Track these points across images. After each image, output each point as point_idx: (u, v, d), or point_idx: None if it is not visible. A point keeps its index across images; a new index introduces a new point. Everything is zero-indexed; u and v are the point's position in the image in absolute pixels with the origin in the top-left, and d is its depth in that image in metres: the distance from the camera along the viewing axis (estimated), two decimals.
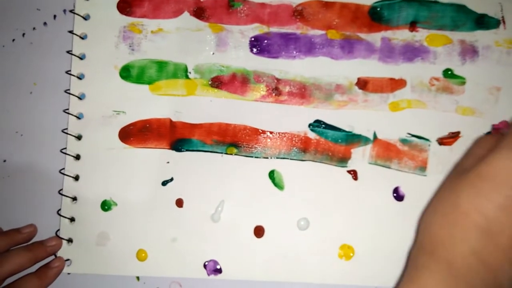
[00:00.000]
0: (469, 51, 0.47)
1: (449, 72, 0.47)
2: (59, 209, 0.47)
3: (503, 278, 0.32)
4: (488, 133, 0.44)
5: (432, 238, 0.34)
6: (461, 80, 0.47)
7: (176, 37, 0.48)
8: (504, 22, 0.47)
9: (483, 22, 0.47)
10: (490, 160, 0.33)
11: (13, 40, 0.49)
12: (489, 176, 0.32)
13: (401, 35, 0.47)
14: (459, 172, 0.35)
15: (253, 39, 0.48)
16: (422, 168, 0.46)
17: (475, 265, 0.32)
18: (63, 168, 0.47)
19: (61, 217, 0.47)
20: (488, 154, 0.33)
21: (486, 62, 0.47)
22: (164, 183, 0.47)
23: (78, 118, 0.48)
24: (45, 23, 0.49)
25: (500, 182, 0.32)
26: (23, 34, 0.49)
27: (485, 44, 0.47)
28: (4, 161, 0.48)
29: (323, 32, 0.48)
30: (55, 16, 0.49)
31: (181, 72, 0.48)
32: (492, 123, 0.46)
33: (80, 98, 0.48)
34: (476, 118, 0.47)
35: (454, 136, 0.46)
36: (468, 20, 0.47)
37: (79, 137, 0.48)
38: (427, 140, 0.46)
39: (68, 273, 0.47)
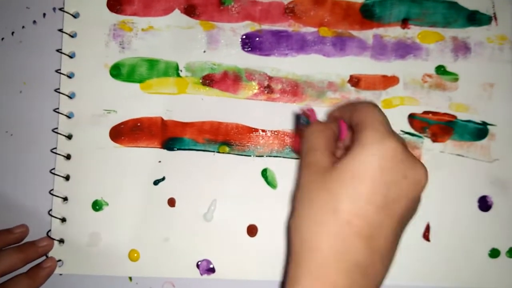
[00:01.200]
0: (462, 48, 0.47)
1: (442, 69, 0.47)
2: (50, 210, 0.47)
3: (379, 281, 0.31)
4: (299, 119, 0.41)
5: (311, 253, 0.30)
6: (454, 77, 0.47)
7: (167, 35, 0.48)
8: (496, 18, 0.47)
9: (475, 18, 0.47)
10: (360, 157, 0.31)
11: (2, 39, 0.49)
12: (364, 176, 0.30)
13: (393, 32, 0.47)
14: (320, 170, 0.32)
15: (244, 36, 0.48)
16: None
17: (358, 279, 0.30)
18: (54, 168, 0.47)
19: (52, 218, 0.47)
20: (352, 150, 0.31)
21: (479, 59, 0.47)
22: (156, 182, 0.47)
23: (68, 117, 0.47)
24: (34, 22, 0.49)
25: (376, 182, 0.30)
26: (12, 33, 0.49)
27: (478, 40, 0.47)
28: None
29: (315, 29, 0.47)
30: (44, 14, 0.49)
31: (172, 70, 0.47)
32: (485, 119, 0.46)
33: (70, 97, 0.47)
34: (470, 114, 0.47)
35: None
36: (460, 16, 0.47)
37: (69, 137, 0.47)
38: (420, 137, 0.46)
39: (60, 274, 0.46)
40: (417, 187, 0.32)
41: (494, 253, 0.45)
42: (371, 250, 0.30)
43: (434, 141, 0.46)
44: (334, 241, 0.30)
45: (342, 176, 0.31)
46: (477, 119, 0.46)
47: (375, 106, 0.34)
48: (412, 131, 0.46)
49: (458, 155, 0.46)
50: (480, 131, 0.46)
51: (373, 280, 0.31)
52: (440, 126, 0.46)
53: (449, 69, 0.47)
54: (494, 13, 0.47)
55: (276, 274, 0.46)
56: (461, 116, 0.46)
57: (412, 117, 0.46)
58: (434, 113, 0.46)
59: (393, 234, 0.31)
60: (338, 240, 0.30)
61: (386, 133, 0.31)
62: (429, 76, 0.47)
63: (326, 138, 0.35)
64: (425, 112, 0.47)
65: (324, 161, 0.33)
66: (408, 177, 0.31)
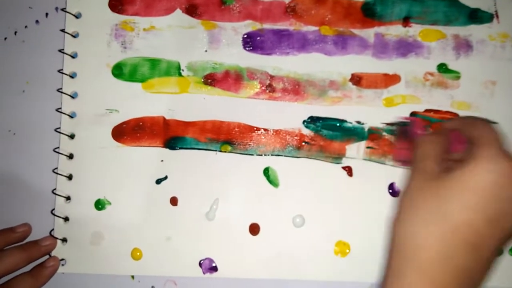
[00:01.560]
0: (463, 46, 0.47)
1: (444, 67, 0.47)
2: (53, 209, 0.47)
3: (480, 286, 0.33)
4: (401, 124, 0.45)
5: (416, 250, 0.32)
6: (456, 75, 0.47)
7: (168, 35, 0.48)
8: (497, 16, 0.47)
9: (476, 16, 0.47)
10: (476, 171, 0.32)
11: (5, 38, 0.49)
12: (476, 188, 0.32)
13: (394, 31, 0.47)
14: (430, 178, 0.34)
15: (246, 36, 0.48)
16: None
17: (465, 283, 0.31)
18: (56, 168, 0.47)
19: (55, 217, 0.47)
20: (466, 163, 0.33)
21: (481, 56, 0.47)
22: (158, 181, 0.47)
23: (71, 117, 0.48)
24: (37, 21, 0.49)
25: (488, 196, 0.31)
26: (15, 32, 0.49)
27: (479, 38, 0.47)
28: None
29: (316, 28, 0.47)
30: (47, 14, 0.49)
31: (174, 69, 0.48)
32: (487, 117, 0.46)
33: (72, 97, 0.48)
34: (472, 112, 0.46)
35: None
36: (461, 14, 0.47)
37: (72, 136, 0.48)
38: None
39: (63, 273, 0.47)
40: None
41: (497, 252, 0.45)
42: (476, 258, 0.32)
43: None
44: (441, 242, 0.31)
45: (454, 185, 0.32)
46: (479, 117, 0.46)
47: (491, 124, 0.36)
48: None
49: None
50: None
51: (474, 285, 0.32)
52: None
53: (450, 67, 0.47)
54: (496, 11, 0.47)
55: (278, 272, 0.46)
56: (463, 114, 0.46)
57: (414, 116, 0.46)
58: (435, 111, 0.46)
59: (497, 248, 0.32)
60: (445, 243, 0.31)
61: (502, 151, 0.33)
62: (431, 74, 0.47)
63: (438, 148, 0.36)
64: (427, 110, 0.46)
65: (434, 169, 0.35)
66: None
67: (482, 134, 0.34)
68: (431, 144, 0.37)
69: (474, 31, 0.47)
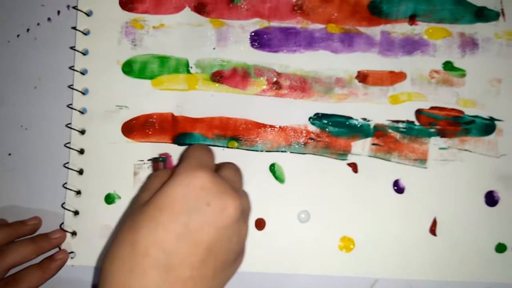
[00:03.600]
0: (469, 44, 0.47)
1: (449, 65, 0.47)
2: (63, 203, 0.48)
3: None
4: (155, 160, 0.45)
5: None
6: (461, 73, 0.47)
7: (177, 33, 0.49)
8: (503, 14, 0.47)
9: (482, 14, 0.47)
10: (166, 189, 0.32)
11: (18, 35, 0.50)
12: (166, 206, 0.31)
13: (400, 29, 0.48)
14: (136, 208, 0.33)
15: (253, 33, 0.48)
16: (422, 160, 0.46)
17: None
18: (67, 162, 0.48)
19: (65, 210, 0.48)
20: (164, 184, 0.32)
21: (486, 54, 0.47)
22: None
23: (82, 113, 0.49)
24: (49, 19, 0.50)
25: (176, 210, 0.30)
26: (28, 30, 0.50)
27: (485, 36, 0.47)
28: (9, 154, 0.49)
29: (323, 26, 0.48)
30: (59, 12, 0.50)
31: (182, 67, 0.48)
32: (493, 115, 0.46)
33: (83, 93, 0.49)
34: (478, 110, 0.47)
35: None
36: (467, 12, 0.47)
37: (82, 132, 0.48)
38: (427, 132, 0.47)
39: (72, 265, 0.47)
40: (223, 216, 0.31)
41: (500, 248, 0.46)
42: (170, 281, 0.30)
43: (441, 136, 0.47)
44: (130, 277, 0.30)
45: (148, 209, 0.31)
46: (485, 114, 0.47)
47: (201, 145, 0.37)
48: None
49: (466, 150, 0.46)
50: (487, 127, 0.46)
51: None
52: (447, 122, 0.47)
53: (456, 65, 0.47)
54: (502, 9, 0.47)
55: (283, 267, 0.46)
56: (469, 111, 0.47)
57: (419, 113, 0.47)
58: (441, 109, 0.47)
59: (203, 263, 0.31)
60: (135, 276, 0.29)
61: (197, 165, 0.32)
62: (437, 72, 0.47)
63: (159, 182, 0.35)
64: (432, 108, 0.47)
65: (145, 197, 0.33)
66: (211, 204, 0.31)
67: (185, 154, 0.35)
68: (157, 178, 0.36)
69: (480, 29, 0.47)
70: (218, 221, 0.31)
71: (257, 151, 0.47)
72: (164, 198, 0.31)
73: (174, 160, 0.47)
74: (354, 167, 0.47)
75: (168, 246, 0.30)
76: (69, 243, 0.48)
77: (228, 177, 0.35)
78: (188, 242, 0.30)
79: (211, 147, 0.43)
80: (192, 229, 0.30)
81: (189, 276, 0.30)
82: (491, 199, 0.46)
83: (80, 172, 0.48)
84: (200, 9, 0.49)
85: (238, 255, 0.35)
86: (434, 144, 0.47)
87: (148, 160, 0.48)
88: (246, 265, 0.46)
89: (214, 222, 0.31)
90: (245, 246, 0.37)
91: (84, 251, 0.48)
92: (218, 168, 0.36)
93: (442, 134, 0.47)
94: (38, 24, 0.50)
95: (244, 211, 0.34)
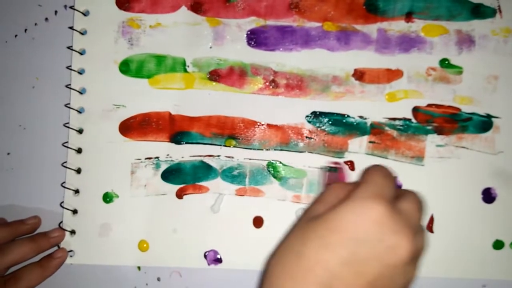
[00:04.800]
0: (466, 41, 0.47)
1: (446, 62, 0.47)
2: (62, 202, 0.48)
3: None
4: (331, 169, 0.45)
5: None
6: (458, 70, 0.47)
7: (174, 32, 0.49)
8: (500, 11, 0.47)
9: (479, 11, 0.47)
10: (340, 211, 0.31)
11: (16, 35, 0.50)
12: (337, 229, 0.30)
13: (397, 26, 0.48)
14: (309, 219, 0.33)
15: (250, 32, 0.48)
16: (419, 157, 0.47)
17: None
18: (66, 162, 0.48)
19: (64, 209, 0.48)
20: (339, 204, 0.31)
21: (483, 51, 0.47)
22: (165, 175, 0.48)
23: (79, 112, 0.49)
24: (46, 19, 0.50)
25: (346, 236, 0.30)
26: (25, 30, 0.50)
27: (482, 33, 0.47)
28: (8, 154, 0.50)
29: (319, 24, 0.48)
30: (56, 12, 0.50)
31: (179, 66, 0.48)
32: (490, 112, 0.46)
33: (81, 93, 0.49)
34: (474, 107, 0.47)
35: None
36: (464, 9, 0.47)
37: (80, 131, 0.49)
38: (424, 129, 0.47)
39: (71, 264, 0.48)
40: (394, 255, 0.30)
41: (498, 245, 0.46)
42: None
43: (438, 133, 0.47)
44: (291, 283, 0.30)
45: (319, 225, 0.31)
46: (482, 111, 0.47)
47: (382, 168, 0.34)
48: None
49: (463, 147, 0.46)
50: (484, 124, 0.46)
51: None
52: (444, 119, 0.47)
53: (453, 62, 0.47)
54: (499, 6, 0.47)
55: None
56: (465, 108, 0.47)
57: (416, 110, 0.47)
58: (438, 106, 0.47)
59: None
60: (295, 284, 0.30)
61: (376, 194, 0.31)
62: (433, 69, 0.47)
63: (335, 197, 0.34)
64: (429, 105, 0.47)
65: (318, 210, 0.33)
66: (384, 241, 0.30)
67: (366, 176, 0.33)
68: (334, 191, 0.34)
69: (476, 26, 0.47)
70: (387, 259, 0.30)
71: (255, 149, 0.48)
72: (336, 221, 0.31)
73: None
74: (351, 165, 0.47)
75: (333, 268, 0.30)
76: (68, 242, 0.48)
77: (407, 211, 0.32)
78: (352, 270, 0.30)
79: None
80: (358, 259, 0.30)
81: None
82: (488, 196, 0.46)
83: (78, 171, 0.48)
84: (196, 8, 0.49)
85: None
86: (431, 141, 0.47)
87: (320, 168, 0.47)
88: (244, 263, 0.47)
89: (382, 259, 0.30)
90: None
91: (83, 249, 0.48)
92: (399, 196, 0.34)
93: (439, 131, 0.47)
94: (35, 24, 0.50)
95: (417, 252, 0.32)
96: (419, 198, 0.34)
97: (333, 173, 0.43)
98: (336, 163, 0.45)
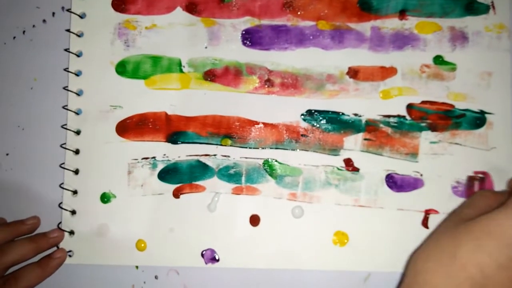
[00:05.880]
0: (459, 37, 0.47)
1: (440, 59, 0.47)
2: (61, 202, 0.49)
3: None
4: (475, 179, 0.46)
5: (424, 285, 0.33)
6: (452, 66, 0.47)
7: (169, 33, 0.49)
8: (493, 7, 0.47)
9: (472, 8, 0.47)
10: (497, 216, 0.32)
11: (14, 37, 0.51)
12: (494, 233, 0.32)
13: (390, 24, 0.48)
14: (460, 221, 0.35)
15: (244, 32, 0.49)
16: (413, 154, 0.47)
17: None
18: (64, 163, 0.49)
19: (63, 210, 0.49)
20: (495, 210, 0.33)
21: (477, 48, 0.47)
22: (161, 174, 0.48)
23: (77, 113, 0.49)
24: (44, 21, 0.51)
25: (505, 241, 0.31)
26: (24, 32, 0.51)
27: (475, 29, 0.47)
28: (7, 154, 0.50)
29: (313, 23, 0.48)
30: (53, 14, 0.51)
31: (175, 66, 0.49)
32: (483, 108, 0.47)
33: (78, 94, 0.49)
34: (468, 103, 0.47)
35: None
36: (457, 6, 0.47)
37: (78, 132, 0.49)
38: (418, 126, 0.47)
39: (70, 264, 0.48)
40: None
41: None
42: None
43: (432, 130, 0.47)
44: (446, 280, 0.32)
45: (475, 228, 0.33)
46: (475, 108, 0.47)
47: None
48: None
49: (456, 144, 0.46)
50: (478, 120, 0.47)
51: None
52: (438, 116, 0.47)
53: (447, 59, 0.47)
54: (492, 2, 0.47)
55: (278, 262, 0.47)
56: (459, 105, 0.47)
57: (410, 107, 0.47)
58: (432, 103, 0.47)
59: None
60: (451, 281, 0.32)
61: None
62: (427, 66, 0.47)
63: (485, 203, 0.36)
64: (423, 102, 0.47)
65: (469, 214, 0.35)
66: None
67: None
68: (481, 196, 0.37)
69: (470, 23, 0.47)
70: None
71: (251, 148, 0.48)
72: (492, 226, 0.32)
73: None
74: (347, 162, 0.47)
75: (488, 270, 0.31)
76: (67, 242, 0.48)
77: None
78: (507, 275, 0.31)
79: None
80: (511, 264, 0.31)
81: None
82: None
83: (76, 172, 0.49)
84: (191, 8, 0.49)
85: None
86: (425, 138, 0.47)
87: (468, 177, 0.46)
88: (241, 261, 0.47)
89: None
90: None
91: (82, 249, 0.48)
92: None
93: (433, 128, 0.47)
94: (33, 26, 0.51)
95: None
96: None
97: (482, 182, 0.45)
98: (481, 172, 0.46)
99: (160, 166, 0.48)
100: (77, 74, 0.50)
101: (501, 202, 0.35)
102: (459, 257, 0.32)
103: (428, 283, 0.33)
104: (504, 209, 0.33)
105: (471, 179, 0.46)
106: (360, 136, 0.47)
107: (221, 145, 0.48)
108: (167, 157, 0.48)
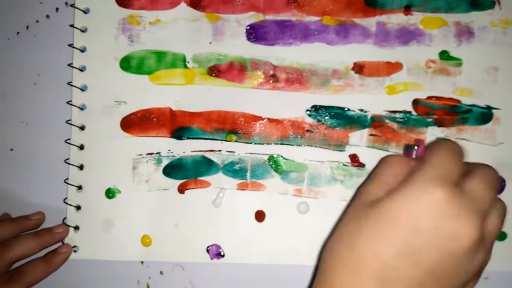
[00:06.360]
0: (465, 33, 0.47)
1: (445, 54, 0.47)
2: (66, 198, 0.49)
3: None
4: (409, 147, 0.36)
5: (330, 282, 0.30)
6: (458, 62, 0.47)
7: (174, 28, 0.49)
8: (499, 2, 0.47)
9: (478, 3, 0.47)
10: (395, 197, 0.29)
11: (18, 33, 0.51)
12: (392, 218, 0.29)
13: (396, 19, 0.48)
14: (364, 204, 0.31)
15: (249, 27, 0.49)
16: None
17: None
18: (68, 158, 0.49)
19: (68, 205, 0.49)
20: (397, 190, 0.30)
21: (482, 43, 0.47)
22: (166, 170, 0.48)
23: (81, 109, 0.49)
24: (47, 16, 0.51)
25: (401, 226, 0.28)
26: (27, 27, 0.51)
27: (481, 25, 0.47)
28: (11, 150, 0.50)
29: (318, 18, 0.48)
30: (57, 9, 0.50)
31: (179, 61, 0.49)
32: (490, 103, 0.46)
33: (82, 90, 0.49)
34: (475, 98, 0.47)
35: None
36: (462, 1, 0.47)
37: (82, 128, 0.49)
38: (424, 122, 0.47)
39: (75, 259, 0.48)
40: (453, 243, 0.28)
41: (501, 236, 0.46)
42: None
43: (438, 126, 0.47)
44: (348, 278, 0.29)
45: (373, 215, 0.30)
46: (482, 103, 0.47)
47: (449, 143, 0.32)
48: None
49: (463, 139, 0.46)
50: (484, 115, 0.46)
51: None
52: (444, 111, 0.47)
53: (452, 54, 0.47)
54: None
55: (282, 258, 0.47)
56: (465, 100, 0.47)
57: (416, 103, 0.47)
58: (438, 98, 0.47)
59: (422, 286, 0.29)
60: (352, 278, 0.29)
61: (436, 177, 0.29)
62: (433, 61, 0.47)
63: (392, 174, 0.32)
64: (429, 97, 0.47)
65: (374, 193, 0.31)
66: (441, 229, 0.28)
67: (430, 155, 0.31)
68: (391, 169, 0.32)
69: (475, 18, 0.47)
70: (446, 247, 0.28)
71: (256, 143, 0.48)
72: (391, 210, 0.29)
73: None
74: (353, 158, 0.47)
75: (387, 260, 0.28)
76: (72, 238, 0.48)
77: (475, 192, 0.30)
78: (408, 261, 0.28)
79: None
80: (414, 249, 0.28)
81: None
82: None
83: (81, 167, 0.49)
84: (195, 4, 0.49)
85: (467, 282, 0.31)
86: (432, 133, 0.47)
87: (404, 146, 0.44)
88: (246, 257, 0.47)
89: (441, 248, 0.28)
90: (482, 271, 0.32)
91: (87, 245, 0.48)
92: (468, 172, 0.31)
93: (439, 123, 0.47)
94: (37, 21, 0.51)
95: (486, 236, 0.29)
96: (491, 173, 0.31)
97: (413, 151, 0.35)
98: (418, 140, 0.43)
99: (165, 162, 0.48)
100: (81, 69, 0.49)
101: (409, 171, 0.31)
102: (358, 248, 0.29)
103: (332, 280, 0.30)
104: (405, 189, 0.29)
105: (407, 148, 0.37)
106: (365, 131, 0.47)
107: (226, 140, 0.48)
108: (172, 152, 0.48)
